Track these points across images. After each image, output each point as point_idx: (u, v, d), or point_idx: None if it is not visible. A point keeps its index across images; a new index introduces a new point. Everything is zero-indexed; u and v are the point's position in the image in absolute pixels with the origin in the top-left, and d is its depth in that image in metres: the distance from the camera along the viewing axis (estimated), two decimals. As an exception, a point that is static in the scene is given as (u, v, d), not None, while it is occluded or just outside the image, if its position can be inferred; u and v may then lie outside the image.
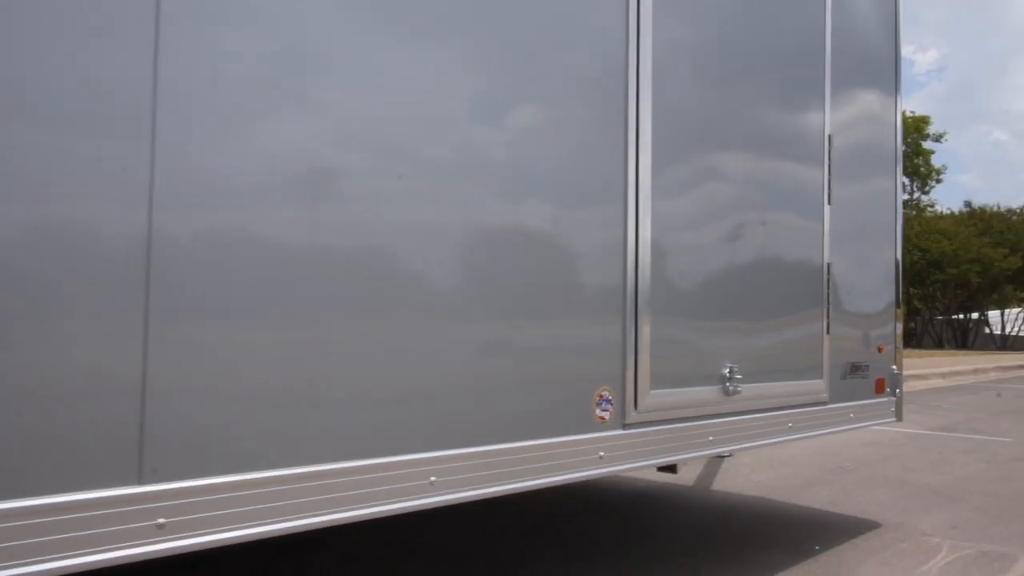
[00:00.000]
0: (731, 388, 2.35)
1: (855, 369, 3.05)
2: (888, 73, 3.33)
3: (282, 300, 1.36)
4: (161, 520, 1.19)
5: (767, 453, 5.20)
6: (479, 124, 1.71)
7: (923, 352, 20.43)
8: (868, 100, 3.22)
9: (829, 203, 2.87)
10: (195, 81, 1.27)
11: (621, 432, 2.00)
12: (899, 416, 3.36)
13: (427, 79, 1.60)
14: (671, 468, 2.65)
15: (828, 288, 2.86)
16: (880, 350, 3.24)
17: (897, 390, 3.34)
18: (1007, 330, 27.90)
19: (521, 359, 1.76)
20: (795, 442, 2.79)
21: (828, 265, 2.87)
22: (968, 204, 29.23)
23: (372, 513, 1.46)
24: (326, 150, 1.44)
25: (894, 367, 3.33)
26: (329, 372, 1.42)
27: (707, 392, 2.28)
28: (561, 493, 3.91)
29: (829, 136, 2.87)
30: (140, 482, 1.18)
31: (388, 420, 1.50)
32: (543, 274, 1.82)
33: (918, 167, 28.81)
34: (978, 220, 27.17)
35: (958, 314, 27.62)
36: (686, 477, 4.48)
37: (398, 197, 1.55)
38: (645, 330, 2.06)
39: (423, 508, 1.56)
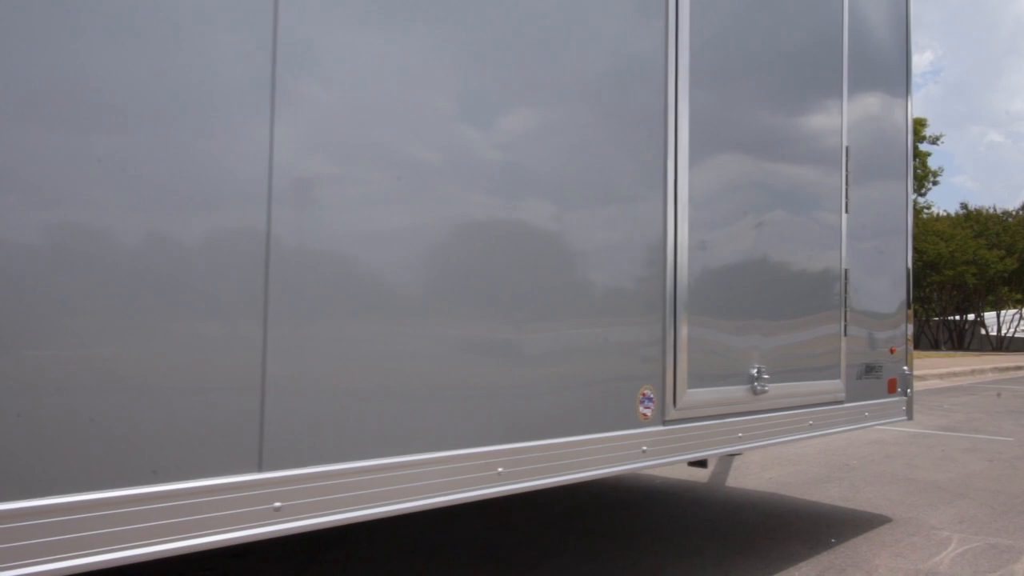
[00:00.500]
0: (758, 388, 2.51)
1: (869, 370, 3.21)
2: (899, 77, 3.49)
3: (386, 302, 1.51)
4: (278, 504, 1.34)
5: (776, 451, 5.36)
6: (536, 141, 1.85)
7: (920, 353, 20.63)
8: (882, 107, 3.38)
9: (846, 212, 3.03)
10: (311, 90, 1.42)
11: (661, 428, 2.15)
12: (910, 415, 3.52)
13: (497, 104, 1.75)
14: (702, 462, 2.80)
15: (845, 293, 3.02)
16: (892, 351, 3.40)
17: (908, 390, 3.50)
18: (1003, 331, 28.17)
19: (578, 360, 1.91)
20: (811, 439, 2.94)
21: (845, 271, 3.02)
22: (964, 206, 29.49)
23: (452, 500, 1.60)
24: (430, 156, 1.59)
25: (905, 368, 3.49)
26: (422, 369, 1.56)
27: (737, 391, 2.43)
28: (581, 490, 4.06)
29: (846, 148, 3.03)
30: (260, 470, 1.33)
31: (467, 415, 1.65)
32: (595, 278, 1.97)
33: (915, 169, 29.00)
34: (974, 222, 27.41)
35: (954, 315, 27.87)
36: (701, 474, 4.64)
37: (491, 208, 1.70)
38: (683, 331, 2.21)
39: (492, 496, 1.71)
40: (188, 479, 1.26)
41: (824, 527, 3.46)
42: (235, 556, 2.60)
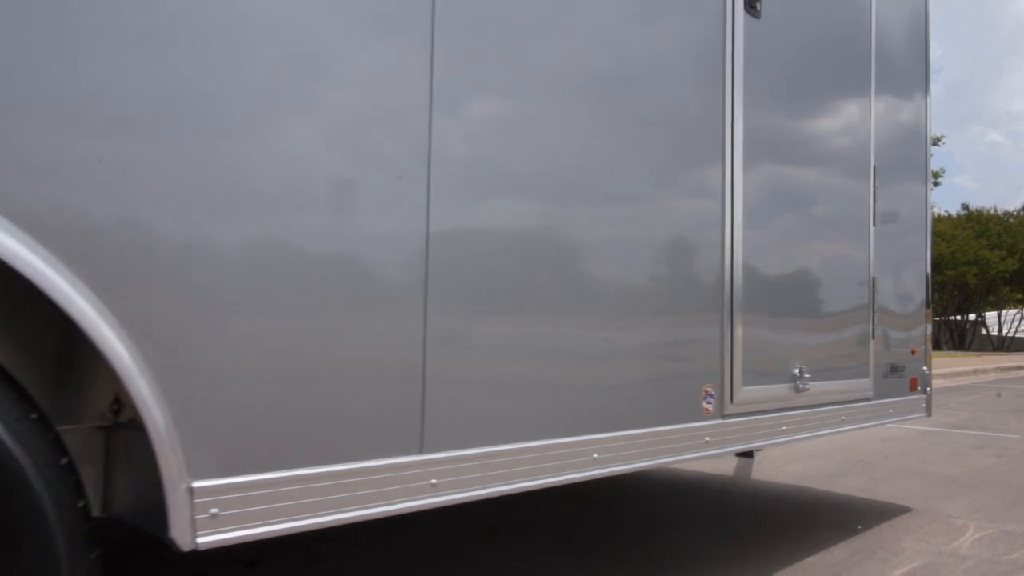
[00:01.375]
0: (800, 386, 2.80)
1: (894, 369, 3.50)
2: (919, 84, 3.74)
3: (519, 302, 1.80)
4: (434, 481, 1.63)
5: (795, 447, 5.66)
6: (625, 165, 2.14)
7: (922, 353, 20.93)
8: (905, 117, 3.65)
9: (874, 224, 3.32)
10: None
11: (721, 421, 2.44)
12: (929, 412, 3.81)
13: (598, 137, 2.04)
14: (749, 452, 3.09)
15: (873, 299, 3.31)
16: (914, 352, 3.70)
17: (927, 388, 3.79)
18: (1004, 331, 28.52)
19: (655, 358, 2.20)
20: (842, 433, 3.24)
21: (873, 279, 3.31)
22: (966, 207, 29.86)
23: (558, 481, 1.89)
24: (562, 180, 1.88)
25: (925, 368, 3.78)
26: (544, 364, 1.86)
27: (782, 389, 2.73)
28: (617, 482, 4.35)
29: (874, 167, 3.32)
30: (421, 452, 1.61)
31: (572, 406, 1.94)
32: (669, 281, 2.26)
33: (917, 170, 29.26)
34: (975, 223, 27.78)
35: (955, 315, 28.23)
36: (726, 468, 4.94)
37: (591, 217, 1.99)
38: (739, 333, 2.51)
39: (587, 479, 2.00)
40: (371, 459, 1.54)
41: (849, 515, 3.75)
42: (249, 565, 2.82)
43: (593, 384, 2.01)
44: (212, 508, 1.28)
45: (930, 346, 3.87)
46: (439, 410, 1.65)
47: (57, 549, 1.09)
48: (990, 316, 28.93)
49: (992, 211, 29.12)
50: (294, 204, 1.43)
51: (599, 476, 2.05)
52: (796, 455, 5.45)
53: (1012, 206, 35.11)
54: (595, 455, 2.00)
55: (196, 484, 1.26)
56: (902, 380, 3.59)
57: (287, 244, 1.42)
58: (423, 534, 3.25)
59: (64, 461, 1.12)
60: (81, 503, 1.13)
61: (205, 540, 1.26)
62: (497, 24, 1.80)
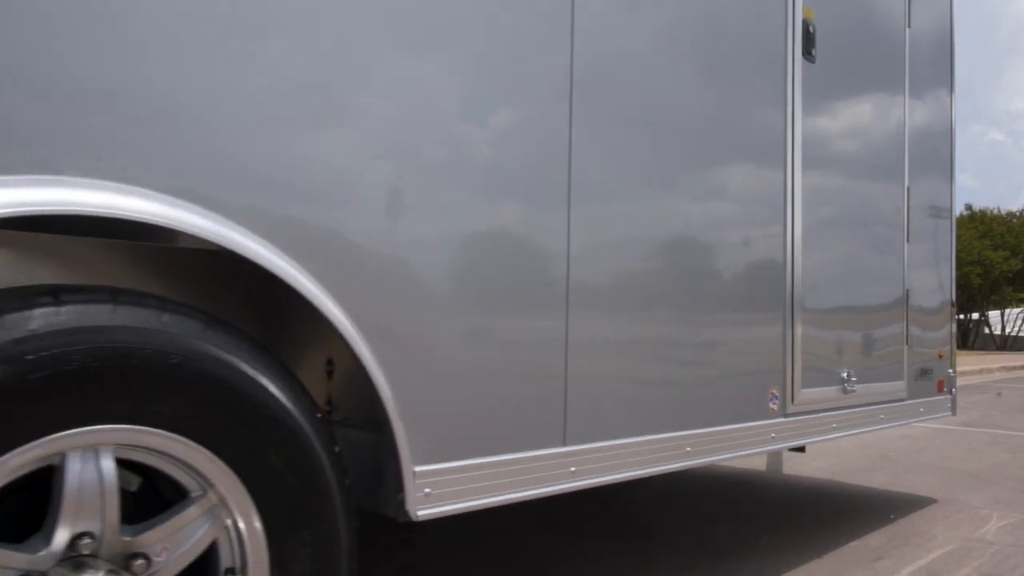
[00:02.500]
0: (848, 388, 3.16)
1: (924, 372, 3.86)
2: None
3: (640, 308, 2.15)
4: (573, 468, 1.98)
5: (819, 445, 6.01)
6: (723, 178, 2.49)
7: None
8: (934, 130, 3.96)
9: (908, 241, 3.68)
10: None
11: (783, 420, 2.80)
12: (954, 411, 4.17)
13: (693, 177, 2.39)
14: (800, 448, 3.44)
15: (907, 309, 3.66)
16: (940, 356, 4.05)
17: (952, 389, 4.15)
18: (1007, 330, 28.94)
19: (735, 362, 2.56)
20: (879, 431, 3.59)
21: (907, 291, 3.67)
22: (969, 207, 30.27)
23: (662, 470, 2.25)
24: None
25: (950, 370, 4.14)
26: (658, 365, 2.21)
27: (833, 391, 3.08)
28: (659, 480, 4.71)
29: (908, 188, 3.67)
30: (564, 444, 1.97)
31: (673, 405, 2.29)
32: (749, 292, 2.62)
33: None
34: (979, 223, 28.18)
35: (959, 315, 28.65)
36: (757, 463, 5.29)
37: (716, 226, 2.33)
38: (799, 340, 2.86)
39: (681, 469, 2.35)
40: (530, 450, 1.89)
41: (881, 506, 4.11)
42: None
43: (687, 385, 2.37)
44: (426, 488, 1.63)
45: (955, 348, 4.22)
46: (578, 410, 2.00)
47: (338, 520, 1.44)
48: (993, 315, 29.34)
49: (995, 211, 29.54)
50: (489, 235, 1.78)
51: (690, 466, 2.40)
52: (821, 452, 5.80)
53: (1013, 205, 35.50)
54: (688, 448, 2.36)
55: (417, 469, 1.61)
56: (931, 382, 3.95)
57: (479, 258, 1.77)
58: (503, 520, 3.61)
59: (337, 449, 1.46)
60: (348, 482, 1.48)
61: (423, 513, 1.62)
62: (626, 71, 2.14)
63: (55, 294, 1.15)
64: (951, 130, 4.18)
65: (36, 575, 1.17)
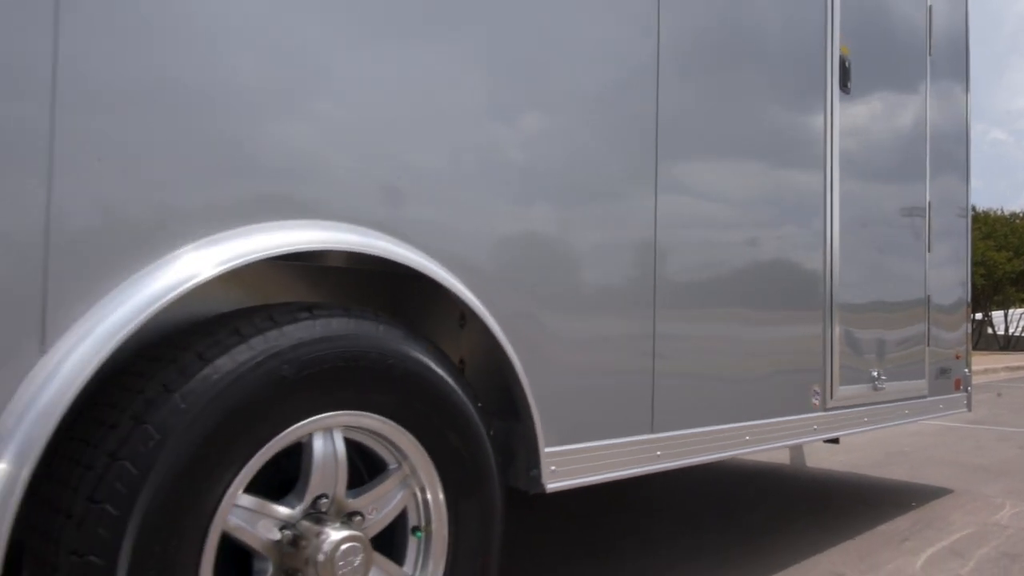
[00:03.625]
0: (877, 385, 3.52)
1: (943, 371, 4.23)
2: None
3: (711, 313, 2.51)
4: (659, 452, 2.34)
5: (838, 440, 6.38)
6: (752, 192, 2.86)
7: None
8: (951, 141, 4.33)
9: (929, 251, 4.05)
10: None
11: (823, 413, 3.17)
12: (969, 407, 4.54)
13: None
14: (835, 440, 3.80)
15: (928, 313, 4.03)
16: (957, 357, 4.42)
17: (968, 387, 4.52)
18: (1010, 331, 29.35)
19: (785, 360, 2.93)
20: (903, 425, 3.96)
21: (928, 297, 4.04)
22: (973, 208, 30.61)
23: (723, 456, 2.61)
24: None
25: (966, 369, 4.51)
26: (723, 361, 2.58)
27: (865, 388, 3.45)
28: (688, 473, 5.07)
29: (929, 203, 4.04)
30: (652, 431, 2.33)
31: (733, 399, 2.66)
32: (795, 296, 2.98)
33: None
34: (982, 224, 28.56)
35: (962, 315, 28.98)
36: (782, 458, 5.66)
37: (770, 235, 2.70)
38: (837, 341, 3.23)
39: (740, 455, 2.72)
40: (628, 436, 2.25)
41: (903, 495, 4.48)
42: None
43: (746, 382, 2.74)
44: (552, 466, 2.00)
45: (970, 348, 4.59)
46: (662, 403, 2.37)
47: (495, 489, 1.80)
48: (996, 316, 29.73)
49: (999, 212, 29.93)
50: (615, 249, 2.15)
51: (748, 453, 2.77)
52: (840, 448, 6.16)
53: (1015, 204, 35.86)
54: (747, 436, 2.73)
55: (546, 450, 1.97)
56: (949, 380, 4.31)
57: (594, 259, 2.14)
58: (571, 505, 3.97)
59: (491, 432, 1.83)
60: (499, 459, 1.84)
61: (551, 486, 1.98)
62: (706, 111, 2.51)
63: (310, 310, 1.52)
64: (967, 139, 4.53)
65: (289, 526, 1.53)
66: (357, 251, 1.58)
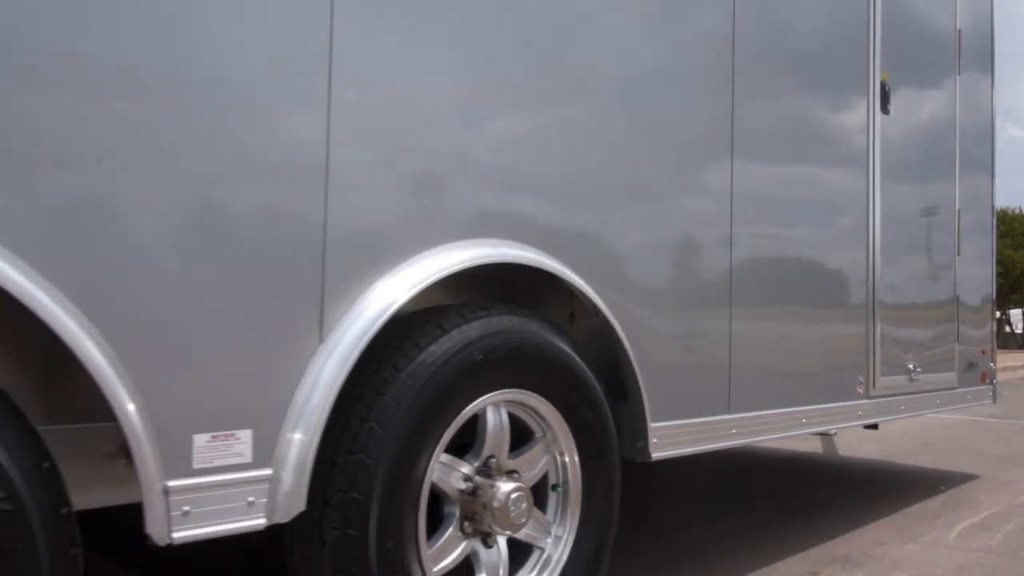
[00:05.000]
0: (913, 377, 3.93)
1: (970, 365, 4.63)
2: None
3: (776, 308, 2.93)
4: (734, 430, 2.76)
5: (861, 432, 6.77)
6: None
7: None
8: (977, 142, 4.72)
9: (958, 255, 4.45)
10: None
11: (867, 401, 3.58)
12: (995, 399, 4.94)
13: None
14: (874, 426, 4.21)
15: (958, 311, 4.43)
16: (984, 352, 4.82)
17: (993, 380, 4.92)
18: (1027, 329, 29.56)
19: (837, 353, 3.34)
20: (934, 414, 4.36)
21: (958, 296, 4.44)
22: (990, 206, 30.81)
23: (786, 435, 3.03)
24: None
25: (991, 364, 4.91)
26: (788, 353, 3.00)
27: (902, 379, 3.86)
28: (733, 458, 5.49)
29: (959, 210, 4.44)
30: (728, 412, 2.75)
31: (794, 385, 3.08)
32: (845, 296, 3.40)
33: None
34: (1000, 223, 28.80)
35: (979, 313, 29.24)
36: (813, 446, 6.07)
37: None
38: (879, 335, 3.64)
39: (798, 435, 3.14)
40: (709, 416, 2.67)
41: (931, 480, 4.89)
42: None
43: (803, 371, 3.15)
44: (655, 439, 2.42)
45: (995, 345, 4.99)
46: (737, 388, 2.79)
47: (615, 455, 2.23)
48: (1014, 314, 29.96)
49: (1017, 211, 30.15)
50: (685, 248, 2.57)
51: (804, 434, 3.19)
52: (868, 438, 6.57)
53: (1035, 204, 36.01)
54: (804, 420, 3.14)
55: (652, 425, 2.40)
56: (975, 373, 4.71)
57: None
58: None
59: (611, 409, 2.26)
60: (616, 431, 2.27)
61: (656, 455, 2.40)
62: (775, 133, 2.93)
63: (487, 309, 1.94)
64: (992, 143, 4.91)
65: (468, 479, 1.96)
66: (521, 264, 2.01)
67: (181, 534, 1.41)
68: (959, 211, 4.47)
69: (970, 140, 4.63)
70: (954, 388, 4.43)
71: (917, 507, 4.18)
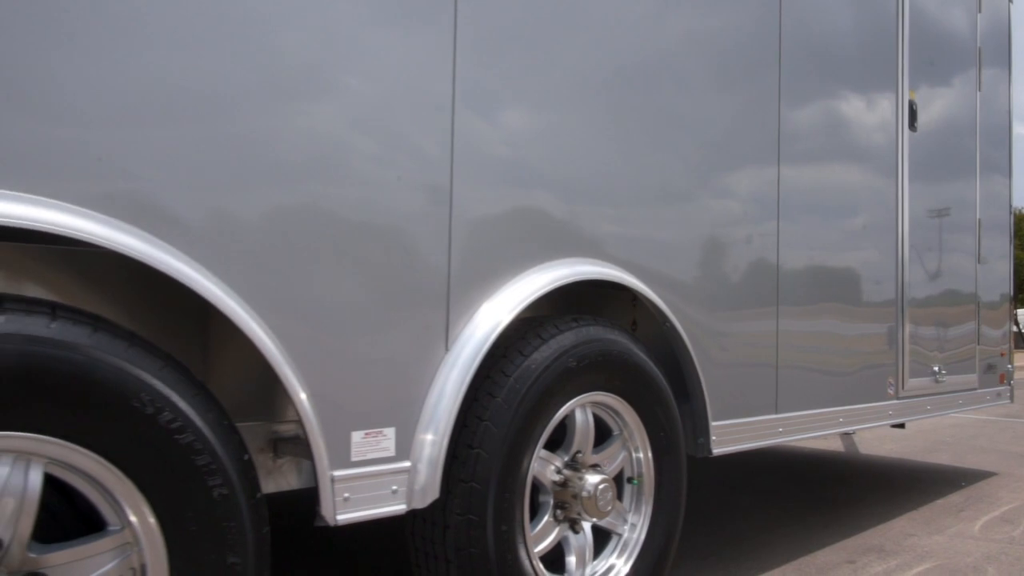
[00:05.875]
0: (938, 378, 4.18)
1: (989, 367, 4.88)
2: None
3: (816, 315, 3.18)
4: (780, 428, 3.01)
5: (880, 432, 7.03)
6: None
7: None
8: (997, 152, 4.99)
9: (979, 263, 4.70)
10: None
11: (897, 401, 3.83)
12: (1012, 399, 5.18)
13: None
14: (901, 425, 4.45)
15: (978, 316, 4.68)
16: (1002, 354, 5.07)
17: (1011, 381, 5.16)
18: (1035, 329, 29.74)
19: (870, 355, 3.59)
20: (956, 413, 4.61)
21: (978, 304, 4.69)
22: (998, 205, 30.97)
23: (823, 433, 3.28)
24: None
25: (1009, 365, 5.16)
26: (825, 355, 3.25)
27: (928, 380, 4.11)
28: (761, 457, 5.74)
29: (979, 220, 4.69)
30: (776, 412, 3.00)
31: (831, 387, 3.33)
32: (878, 304, 3.64)
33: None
34: (1008, 222, 28.94)
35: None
36: (833, 445, 6.32)
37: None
38: (908, 339, 3.89)
39: (834, 433, 3.38)
40: (760, 415, 2.92)
41: (952, 476, 5.14)
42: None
43: (841, 373, 3.41)
44: (714, 436, 2.67)
45: (1013, 347, 5.24)
46: (783, 389, 3.04)
47: (683, 450, 2.48)
48: (1021, 314, 30.14)
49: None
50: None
51: (840, 432, 3.44)
52: (886, 437, 6.82)
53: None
54: (841, 419, 3.40)
55: (713, 423, 2.65)
56: (994, 374, 4.96)
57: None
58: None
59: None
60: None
61: (716, 451, 2.66)
62: (820, 149, 3.18)
63: (576, 320, 2.20)
64: (1010, 147, 5.16)
65: (559, 472, 2.21)
66: (609, 280, 2.27)
67: (344, 516, 1.67)
68: (978, 212, 4.71)
69: (988, 143, 4.88)
70: (975, 389, 4.68)
71: (940, 502, 4.42)
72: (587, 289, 2.71)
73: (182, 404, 1.40)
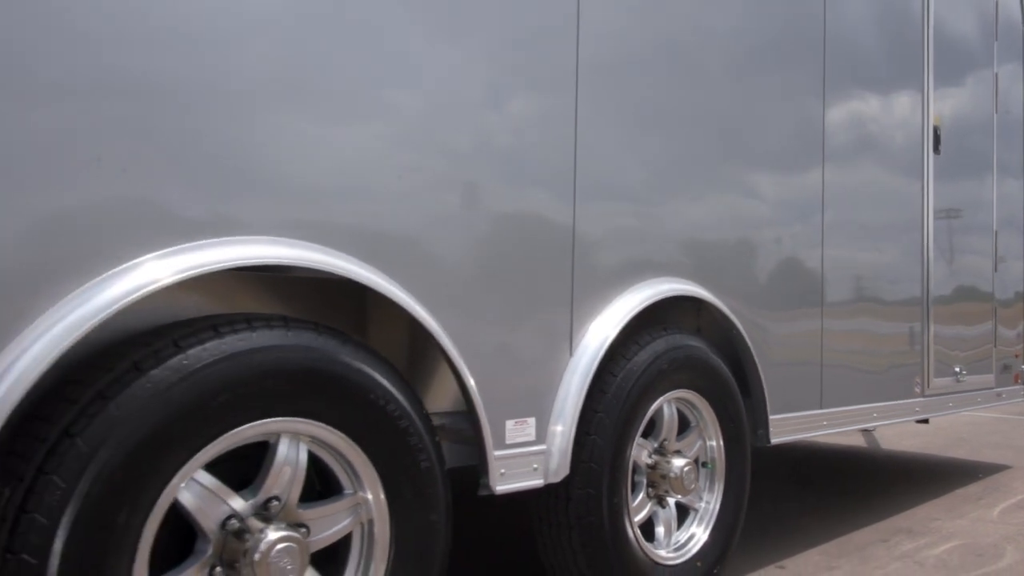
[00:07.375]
0: (959, 379, 4.64)
1: (1005, 367, 5.33)
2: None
3: (856, 317, 3.64)
4: (825, 422, 3.47)
5: (901, 428, 7.48)
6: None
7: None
8: (1014, 155, 5.43)
9: (995, 270, 5.15)
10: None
11: (923, 399, 4.29)
12: (1026, 397, 5.63)
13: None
14: (925, 420, 4.91)
15: (996, 319, 5.14)
16: (1016, 355, 5.52)
17: (1025, 380, 5.62)
18: (1046, 328, 30.18)
19: (899, 355, 4.05)
20: (974, 410, 5.06)
21: (995, 307, 5.14)
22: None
23: (860, 427, 3.73)
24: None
25: (1023, 366, 5.61)
26: (860, 352, 3.70)
27: (950, 379, 4.57)
28: (793, 451, 6.20)
29: (996, 231, 5.14)
30: (821, 407, 3.46)
31: (867, 384, 3.78)
32: (905, 306, 4.10)
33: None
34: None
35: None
36: (856, 441, 6.77)
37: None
38: (932, 340, 4.34)
39: (870, 428, 3.84)
40: (808, 410, 3.37)
41: (970, 469, 5.59)
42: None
43: (875, 371, 3.86)
44: (772, 428, 3.13)
45: (1026, 349, 5.69)
46: (827, 386, 3.50)
47: (748, 439, 2.94)
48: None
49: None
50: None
51: (874, 427, 3.90)
52: (905, 434, 7.28)
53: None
54: (875, 414, 3.86)
55: (772, 417, 3.11)
56: (1010, 375, 5.42)
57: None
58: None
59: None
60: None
61: (774, 441, 3.11)
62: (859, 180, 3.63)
63: (665, 328, 2.66)
64: (1023, 149, 5.59)
65: (650, 455, 2.67)
66: (683, 295, 2.73)
67: (501, 488, 2.13)
68: (995, 231, 5.16)
69: (1005, 146, 5.32)
70: (992, 388, 5.14)
71: (960, 491, 4.88)
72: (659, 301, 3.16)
73: (401, 398, 1.86)
